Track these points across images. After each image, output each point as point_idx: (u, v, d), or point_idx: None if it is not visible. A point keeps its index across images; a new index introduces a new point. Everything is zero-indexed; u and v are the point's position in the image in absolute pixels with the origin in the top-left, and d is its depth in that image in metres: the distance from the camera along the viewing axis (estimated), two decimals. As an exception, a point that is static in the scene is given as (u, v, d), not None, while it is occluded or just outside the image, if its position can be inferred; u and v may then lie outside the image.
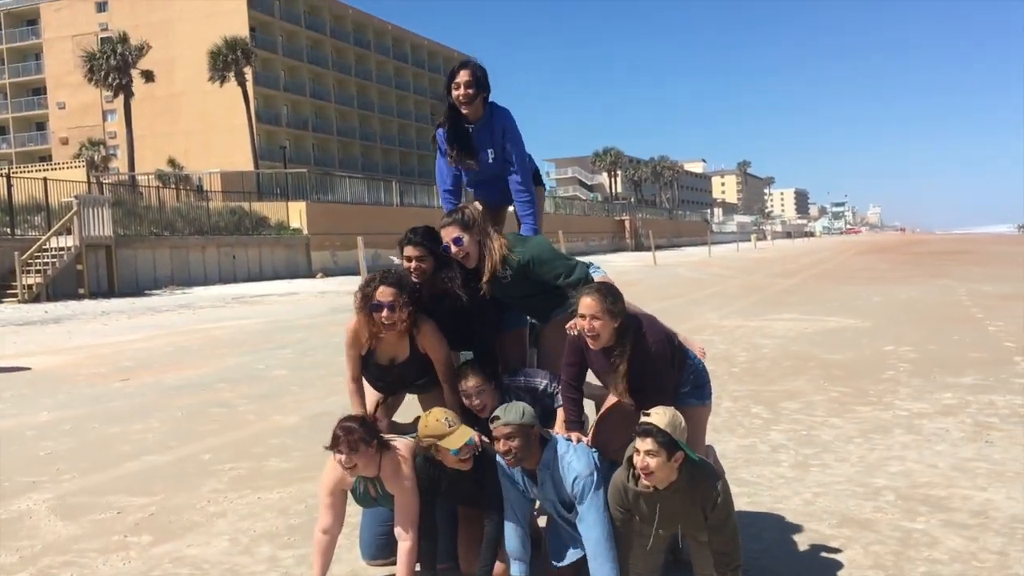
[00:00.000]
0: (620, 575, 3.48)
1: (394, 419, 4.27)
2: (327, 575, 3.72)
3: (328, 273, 36.44)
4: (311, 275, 36.05)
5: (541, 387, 3.97)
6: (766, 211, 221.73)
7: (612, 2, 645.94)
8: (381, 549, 4.06)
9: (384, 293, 3.76)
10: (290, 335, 14.27)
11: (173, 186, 44.29)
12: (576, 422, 3.79)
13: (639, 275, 28.35)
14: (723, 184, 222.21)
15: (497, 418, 3.52)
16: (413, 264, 3.92)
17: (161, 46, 63.68)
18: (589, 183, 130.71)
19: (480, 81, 4.28)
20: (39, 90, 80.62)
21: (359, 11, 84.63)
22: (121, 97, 51.46)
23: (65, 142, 74.93)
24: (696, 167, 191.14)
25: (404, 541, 3.61)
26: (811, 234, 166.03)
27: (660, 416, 3.25)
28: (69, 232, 25.86)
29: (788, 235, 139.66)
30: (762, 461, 5.78)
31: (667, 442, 3.21)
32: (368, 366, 3.99)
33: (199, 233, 33.47)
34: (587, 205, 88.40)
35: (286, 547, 4.47)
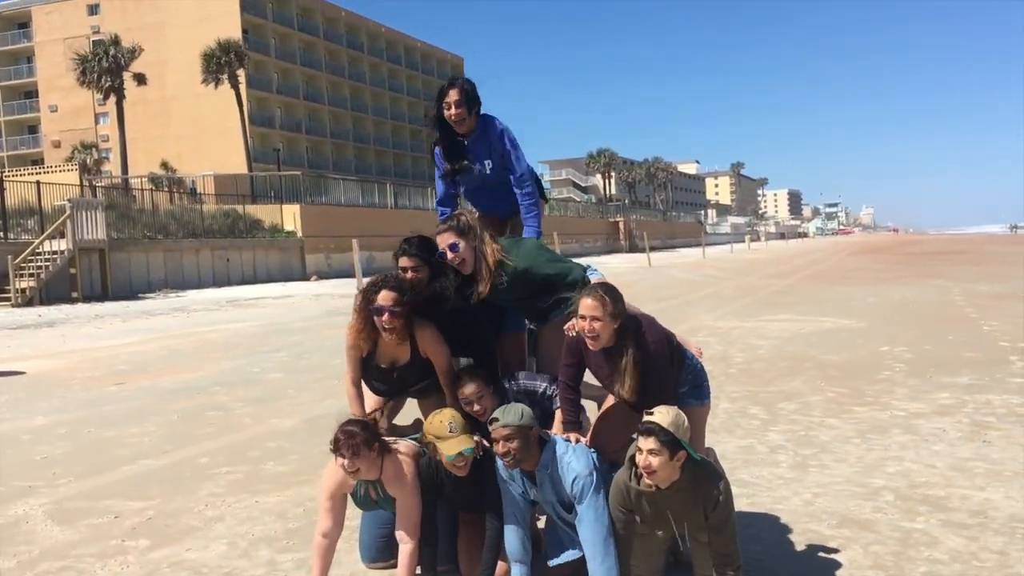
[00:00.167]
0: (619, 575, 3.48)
1: (394, 422, 4.26)
2: (327, 579, 3.70)
3: (322, 276, 36.41)
4: (305, 278, 36.02)
5: (540, 390, 3.97)
6: (760, 212, 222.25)
7: (604, 4, 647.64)
8: (381, 552, 4.06)
9: (385, 297, 3.77)
10: (285, 338, 14.25)
11: (166, 189, 44.20)
12: (574, 423, 3.79)
13: (634, 277, 28.36)
14: (717, 185, 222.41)
15: (496, 420, 3.52)
16: (408, 275, 3.93)
17: (153, 49, 63.55)
18: (583, 185, 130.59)
19: (470, 96, 4.34)
20: (31, 93, 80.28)
21: (352, 13, 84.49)
22: (113, 100, 51.22)
23: (57, 145, 74.60)
24: (690, 168, 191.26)
25: (406, 544, 3.61)
26: (805, 235, 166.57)
27: (663, 415, 3.25)
28: (62, 235, 25.80)
29: (782, 236, 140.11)
30: (761, 462, 5.78)
31: (670, 441, 3.21)
32: (369, 369, 3.99)
33: (193, 236, 33.42)
34: (581, 207, 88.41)
35: (285, 551, 4.46)
